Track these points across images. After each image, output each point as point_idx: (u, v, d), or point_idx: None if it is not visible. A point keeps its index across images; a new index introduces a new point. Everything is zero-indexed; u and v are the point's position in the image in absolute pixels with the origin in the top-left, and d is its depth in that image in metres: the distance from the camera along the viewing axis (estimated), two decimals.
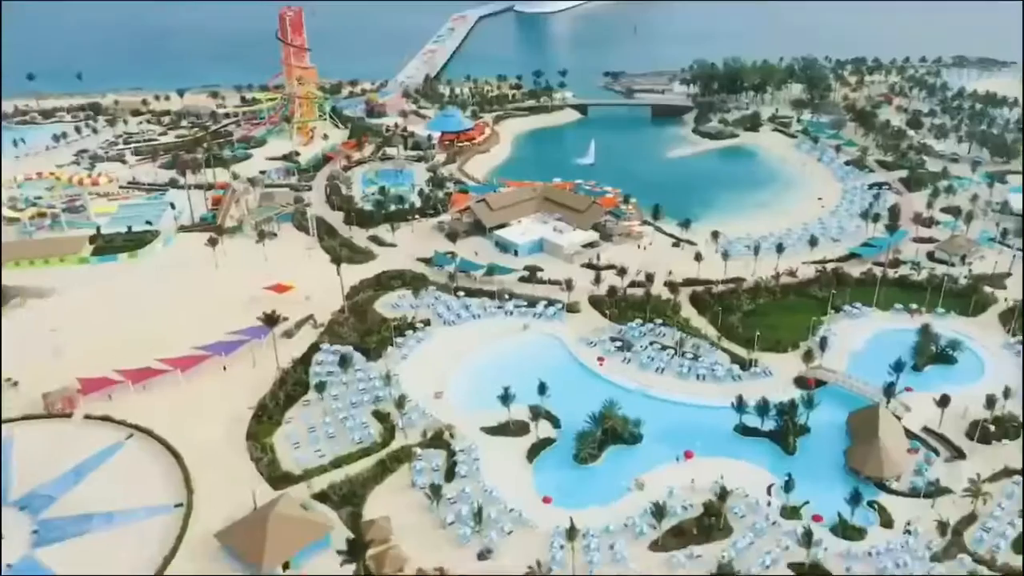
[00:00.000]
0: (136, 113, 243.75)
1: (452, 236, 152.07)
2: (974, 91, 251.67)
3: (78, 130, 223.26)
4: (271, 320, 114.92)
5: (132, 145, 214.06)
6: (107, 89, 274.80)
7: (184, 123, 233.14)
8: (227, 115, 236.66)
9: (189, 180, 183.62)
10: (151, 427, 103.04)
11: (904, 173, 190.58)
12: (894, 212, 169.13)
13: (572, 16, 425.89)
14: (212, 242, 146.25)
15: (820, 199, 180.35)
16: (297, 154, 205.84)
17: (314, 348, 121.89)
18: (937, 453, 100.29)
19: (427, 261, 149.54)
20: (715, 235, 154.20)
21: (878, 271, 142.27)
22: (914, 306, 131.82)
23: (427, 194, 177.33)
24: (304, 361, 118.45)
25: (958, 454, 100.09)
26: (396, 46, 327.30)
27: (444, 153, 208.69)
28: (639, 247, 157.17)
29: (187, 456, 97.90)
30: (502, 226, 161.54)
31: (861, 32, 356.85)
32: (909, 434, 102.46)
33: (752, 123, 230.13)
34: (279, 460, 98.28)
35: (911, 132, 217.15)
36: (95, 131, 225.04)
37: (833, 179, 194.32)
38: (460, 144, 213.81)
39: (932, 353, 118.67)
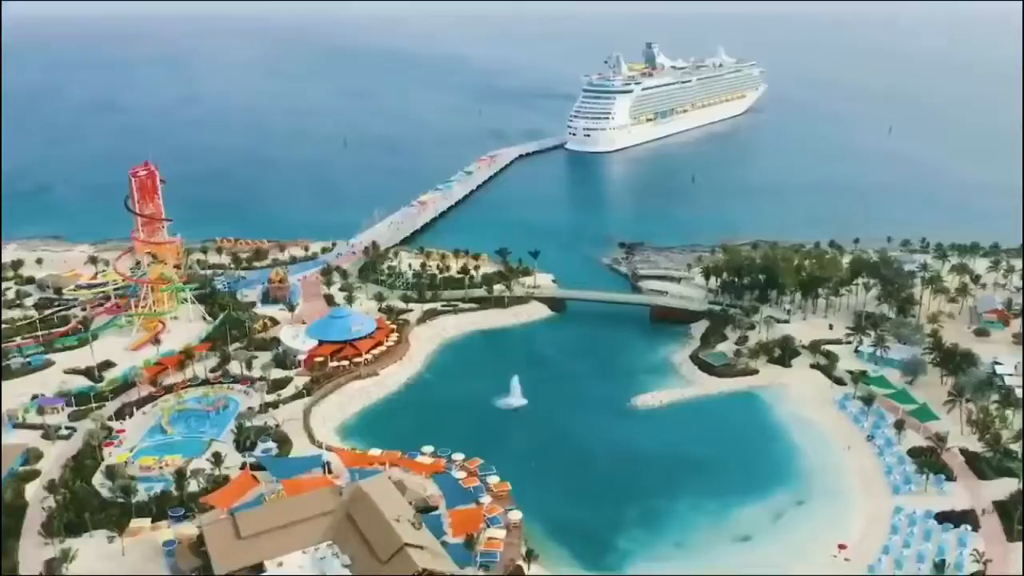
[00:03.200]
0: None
1: None
2: None
3: None
4: None
5: None
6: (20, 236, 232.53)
7: (25, 302, 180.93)
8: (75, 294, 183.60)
9: None
10: None
11: (1006, 489, 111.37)
12: None
13: (630, 157, 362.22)
14: None
15: (843, 548, 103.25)
16: (109, 365, 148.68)
17: None
18: None
19: None
20: None
21: None
22: None
23: (190, 475, 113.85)
24: None
25: None
26: (392, 193, 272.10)
27: (309, 376, 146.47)
28: None
29: None
30: (258, 567, 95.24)
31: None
32: None
33: (783, 350, 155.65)
34: None
35: None
36: None
37: (882, 487, 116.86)
38: (337, 362, 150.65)
39: None
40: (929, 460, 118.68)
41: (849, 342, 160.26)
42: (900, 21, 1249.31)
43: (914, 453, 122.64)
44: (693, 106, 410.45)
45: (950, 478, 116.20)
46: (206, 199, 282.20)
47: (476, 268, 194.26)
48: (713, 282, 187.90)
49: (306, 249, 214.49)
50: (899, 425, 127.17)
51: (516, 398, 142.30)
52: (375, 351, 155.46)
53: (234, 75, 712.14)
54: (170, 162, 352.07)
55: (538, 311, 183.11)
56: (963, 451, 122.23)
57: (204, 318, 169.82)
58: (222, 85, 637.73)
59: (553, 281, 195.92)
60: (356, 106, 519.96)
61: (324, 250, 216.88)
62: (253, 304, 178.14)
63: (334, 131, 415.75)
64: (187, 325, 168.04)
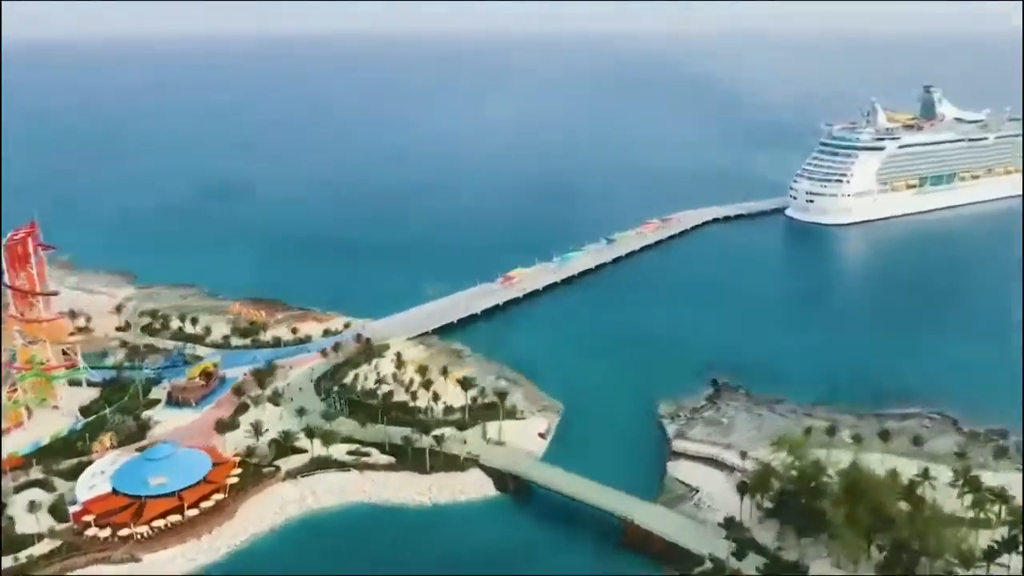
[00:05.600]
0: None
1: None
2: None
3: None
4: None
5: None
6: None
7: None
8: None
9: None
10: None
11: None
12: None
13: (873, 235, 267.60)
14: None
15: None
16: None
17: None
18: None
19: None
20: None
21: None
22: None
23: None
24: None
25: None
26: (510, 256, 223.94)
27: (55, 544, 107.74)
28: None
29: None
30: None
31: None
32: None
33: None
34: None
35: None
36: None
37: None
38: (100, 529, 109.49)
39: None
40: None
41: None
42: None
43: None
44: (990, 172, 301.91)
45: None
46: (303, 239, 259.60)
47: (435, 399, 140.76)
48: (755, 499, 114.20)
49: (294, 331, 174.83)
50: None
51: None
52: (167, 520, 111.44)
53: (496, 97, 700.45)
54: (302, 187, 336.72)
55: (474, 486, 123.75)
56: None
57: (76, 416, 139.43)
58: (469, 109, 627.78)
59: (540, 435, 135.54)
60: (586, 136, 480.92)
61: (327, 334, 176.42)
62: (154, 404, 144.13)
63: (532, 167, 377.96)
64: (60, 420, 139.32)
